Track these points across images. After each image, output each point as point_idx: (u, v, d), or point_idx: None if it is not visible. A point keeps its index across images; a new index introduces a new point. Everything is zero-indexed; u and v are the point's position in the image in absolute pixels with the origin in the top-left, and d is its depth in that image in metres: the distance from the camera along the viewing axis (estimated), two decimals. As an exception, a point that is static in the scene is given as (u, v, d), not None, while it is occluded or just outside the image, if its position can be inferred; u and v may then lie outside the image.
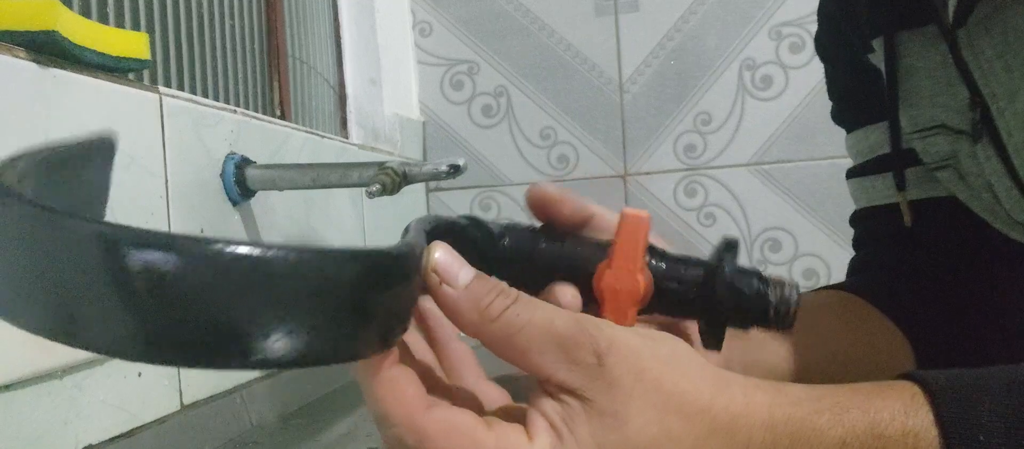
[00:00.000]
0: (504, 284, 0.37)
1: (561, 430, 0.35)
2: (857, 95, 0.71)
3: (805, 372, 0.56)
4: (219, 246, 0.27)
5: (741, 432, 0.35)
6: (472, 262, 0.38)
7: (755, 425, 0.35)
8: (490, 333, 0.36)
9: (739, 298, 0.41)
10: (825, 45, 0.75)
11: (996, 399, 0.36)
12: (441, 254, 0.36)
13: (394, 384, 0.34)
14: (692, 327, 0.45)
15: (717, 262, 0.41)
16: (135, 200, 0.60)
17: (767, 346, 0.38)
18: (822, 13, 0.73)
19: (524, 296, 0.37)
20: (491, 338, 0.36)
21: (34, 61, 0.52)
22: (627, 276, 0.40)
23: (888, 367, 0.41)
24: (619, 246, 0.41)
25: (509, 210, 1.34)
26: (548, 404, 0.36)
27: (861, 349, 0.63)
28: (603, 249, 0.42)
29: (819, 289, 0.70)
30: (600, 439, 0.34)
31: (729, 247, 0.42)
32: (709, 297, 0.41)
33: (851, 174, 0.72)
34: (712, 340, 0.42)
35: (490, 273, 0.38)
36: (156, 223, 0.62)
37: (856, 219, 0.73)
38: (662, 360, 0.36)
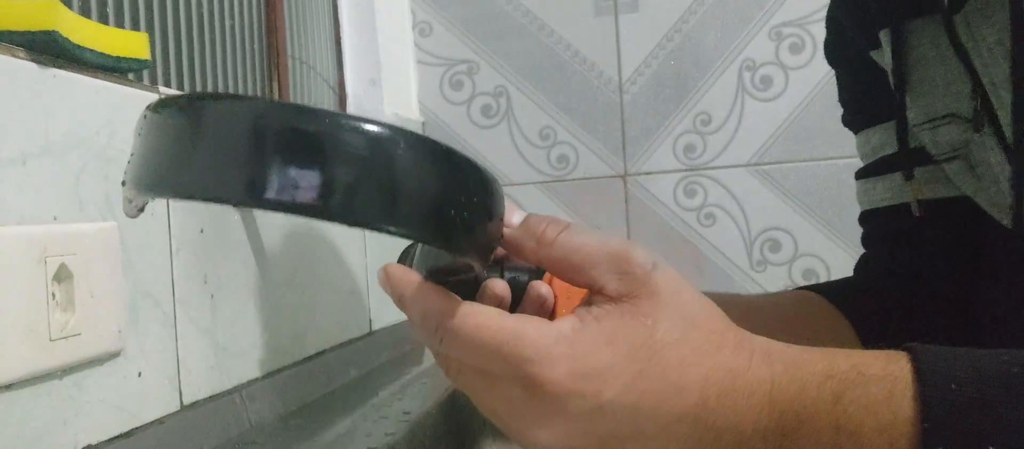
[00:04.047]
0: (553, 216, 0.43)
1: (584, 317, 0.40)
2: (862, 96, 0.72)
3: None
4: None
5: (744, 352, 0.40)
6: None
7: (756, 350, 0.41)
8: (550, 256, 0.42)
9: None
10: (833, 50, 0.75)
11: (971, 360, 0.39)
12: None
13: (427, 291, 0.41)
14: None
15: None
16: (135, 200, 0.60)
17: None
18: (830, 17, 0.74)
19: (573, 224, 0.42)
20: (551, 260, 0.42)
21: (34, 61, 0.52)
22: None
23: None
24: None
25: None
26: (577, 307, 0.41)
27: (803, 342, 0.65)
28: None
29: (796, 289, 0.73)
30: (626, 334, 0.39)
31: None
32: None
33: (858, 176, 0.73)
34: None
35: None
36: (156, 223, 0.62)
37: (862, 219, 0.74)
38: (693, 291, 0.42)
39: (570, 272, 0.41)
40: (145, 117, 0.36)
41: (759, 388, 0.39)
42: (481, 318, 0.40)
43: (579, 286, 0.42)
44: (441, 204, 0.36)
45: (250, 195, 0.33)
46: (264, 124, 0.34)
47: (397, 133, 0.35)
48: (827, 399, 0.39)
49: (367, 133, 0.34)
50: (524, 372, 0.39)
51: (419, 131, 1.37)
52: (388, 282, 0.42)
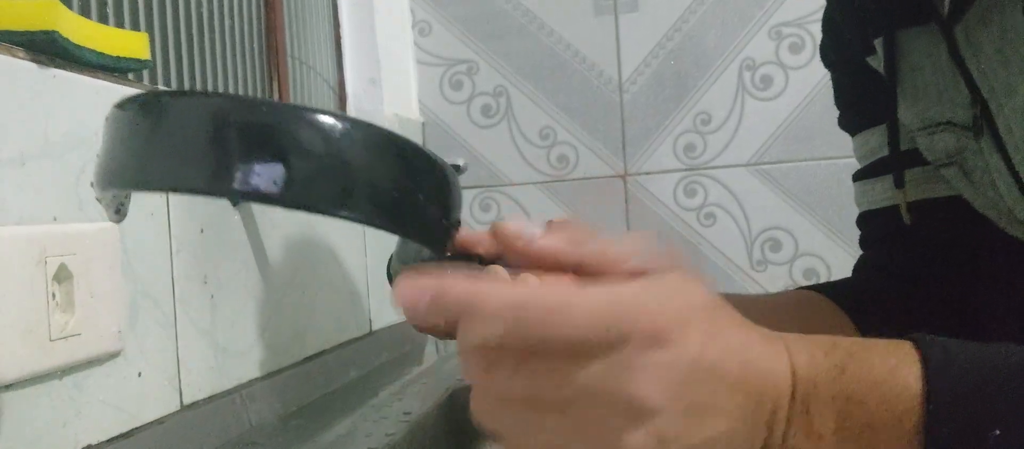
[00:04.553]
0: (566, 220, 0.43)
1: (643, 278, 0.39)
2: (858, 99, 0.72)
3: None
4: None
5: (756, 329, 0.40)
6: None
7: (764, 331, 0.41)
8: (590, 250, 0.42)
9: None
10: (828, 53, 0.75)
11: (974, 348, 0.40)
12: (511, 226, 0.43)
13: (443, 277, 0.38)
14: None
15: None
16: (135, 199, 0.60)
17: None
18: (826, 20, 0.74)
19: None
20: (591, 253, 0.42)
21: (34, 61, 0.52)
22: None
23: None
24: None
25: (509, 210, 1.34)
26: None
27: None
28: None
29: (798, 288, 0.73)
30: (688, 291, 0.39)
31: None
32: None
33: (855, 177, 0.73)
34: None
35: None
36: (156, 223, 0.62)
37: (860, 221, 0.74)
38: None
39: (610, 262, 0.41)
40: (109, 116, 0.38)
41: (780, 357, 0.39)
42: (582, 291, 0.37)
43: (617, 275, 0.41)
44: (391, 189, 0.38)
45: (208, 184, 0.36)
46: (221, 118, 0.36)
47: (345, 121, 0.37)
48: (833, 371, 0.39)
49: (316, 122, 0.36)
50: (651, 325, 0.35)
51: (419, 132, 1.37)
52: (440, 299, 0.37)
